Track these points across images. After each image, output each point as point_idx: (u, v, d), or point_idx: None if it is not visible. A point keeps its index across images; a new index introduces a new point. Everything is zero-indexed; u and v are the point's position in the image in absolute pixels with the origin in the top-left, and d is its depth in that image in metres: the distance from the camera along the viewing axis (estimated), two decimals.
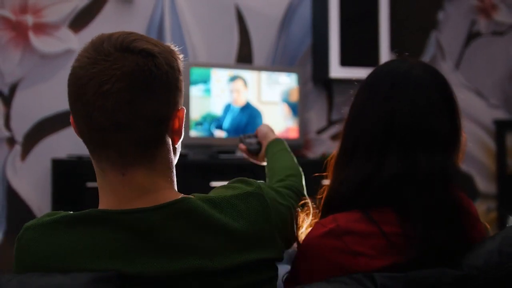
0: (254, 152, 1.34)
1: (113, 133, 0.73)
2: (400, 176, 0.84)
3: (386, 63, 0.97)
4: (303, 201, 1.00)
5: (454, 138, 0.90)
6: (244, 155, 1.39)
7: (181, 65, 0.80)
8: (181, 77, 0.79)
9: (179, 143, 0.82)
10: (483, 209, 3.07)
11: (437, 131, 0.87)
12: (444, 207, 0.83)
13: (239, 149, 1.38)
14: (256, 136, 1.36)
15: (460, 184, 0.88)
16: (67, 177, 2.19)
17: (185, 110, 0.81)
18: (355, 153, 0.90)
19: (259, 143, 1.34)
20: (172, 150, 0.80)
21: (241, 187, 0.82)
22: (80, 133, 0.77)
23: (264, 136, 1.33)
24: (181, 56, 0.81)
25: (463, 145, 0.92)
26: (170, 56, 0.77)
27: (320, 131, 2.89)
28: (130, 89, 0.71)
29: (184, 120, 0.81)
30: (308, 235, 0.89)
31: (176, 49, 0.80)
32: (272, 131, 1.34)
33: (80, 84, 0.72)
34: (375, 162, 0.87)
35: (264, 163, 1.30)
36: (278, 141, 1.30)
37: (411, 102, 0.87)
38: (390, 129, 0.87)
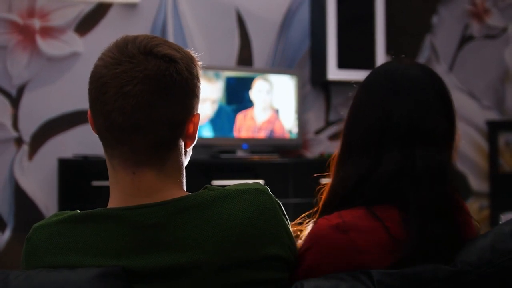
0: None
1: (128, 133, 0.73)
2: (397, 172, 0.85)
3: (384, 64, 0.97)
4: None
5: (450, 136, 0.90)
6: None
7: (200, 72, 0.80)
8: (199, 84, 0.80)
9: (191, 147, 0.83)
10: (476, 207, 3.13)
11: (434, 128, 0.87)
12: (440, 201, 0.84)
13: None
14: None
15: (455, 182, 0.89)
16: (73, 176, 2.22)
17: (200, 116, 0.81)
18: (354, 151, 0.91)
19: None
20: (183, 153, 0.81)
21: (253, 185, 0.82)
22: (97, 129, 0.77)
23: None
24: (200, 63, 0.81)
25: (457, 142, 0.93)
26: (190, 62, 0.78)
27: (318, 132, 2.94)
28: (150, 92, 0.72)
29: (198, 125, 0.81)
30: (314, 228, 0.87)
31: (196, 55, 0.81)
32: None
33: (102, 83, 0.73)
34: (373, 158, 0.87)
35: None
36: None
37: (408, 100, 0.88)
38: (387, 126, 0.87)
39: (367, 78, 0.96)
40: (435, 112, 0.88)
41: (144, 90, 0.72)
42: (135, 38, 0.76)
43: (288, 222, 0.85)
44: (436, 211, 0.83)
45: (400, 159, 0.86)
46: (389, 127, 0.87)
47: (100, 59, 0.76)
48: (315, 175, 1.11)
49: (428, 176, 0.85)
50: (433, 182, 0.85)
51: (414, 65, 0.93)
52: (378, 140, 0.88)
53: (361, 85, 0.95)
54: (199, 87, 0.80)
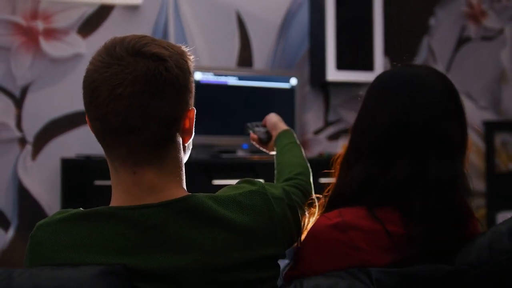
0: (265, 141, 1.32)
1: (125, 134, 0.74)
2: (408, 180, 0.84)
3: (400, 68, 0.95)
4: (309, 201, 0.99)
5: (463, 144, 0.90)
6: (254, 144, 1.36)
7: (191, 66, 0.80)
8: (192, 78, 0.80)
9: (190, 141, 0.83)
10: (472, 207, 3.16)
11: (449, 137, 0.87)
12: (450, 212, 0.85)
13: (250, 138, 1.35)
14: (264, 125, 1.33)
15: (468, 190, 0.90)
16: (76, 175, 2.23)
17: (195, 110, 0.81)
18: (365, 153, 0.89)
19: (268, 132, 1.31)
20: (182, 149, 0.81)
21: (245, 187, 0.83)
22: (95, 132, 0.78)
23: (273, 126, 1.29)
24: (191, 57, 0.81)
25: (469, 151, 0.92)
26: (180, 58, 0.77)
27: (317, 132, 2.96)
28: (141, 92, 0.72)
29: (194, 120, 0.82)
30: (314, 226, 0.89)
31: (187, 49, 0.80)
32: (280, 121, 1.31)
33: (94, 87, 0.73)
34: (385, 163, 0.87)
35: (273, 152, 1.28)
36: (287, 132, 1.26)
37: (426, 108, 0.86)
38: (403, 132, 0.86)
39: (383, 81, 0.93)
40: (451, 120, 0.88)
41: (135, 91, 0.72)
42: (123, 39, 0.76)
43: (293, 206, 0.87)
44: (444, 221, 0.84)
45: (412, 168, 0.85)
46: (405, 133, 0.86)
47: (90, 63, 0.76)
48: (325, 171, 1.10)
49: (439, 187, 0.84)
50: (444, 192, 0.85)
51: (431, 71, 0.91)
52: (391, 145, 0.87)
53: (376, 87, 0.93)
54: (192, 81, 0.80)
